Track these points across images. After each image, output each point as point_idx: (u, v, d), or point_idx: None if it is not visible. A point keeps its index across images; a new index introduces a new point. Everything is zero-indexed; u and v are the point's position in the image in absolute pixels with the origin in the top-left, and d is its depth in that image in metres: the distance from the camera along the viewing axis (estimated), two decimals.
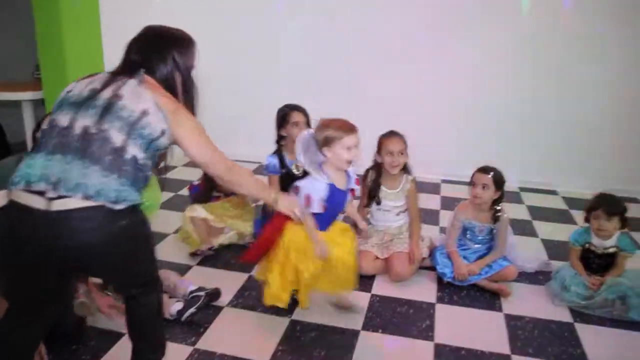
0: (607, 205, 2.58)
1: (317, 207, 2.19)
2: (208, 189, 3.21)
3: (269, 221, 2.30)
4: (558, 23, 4.10)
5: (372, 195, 2.89)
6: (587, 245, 2.65)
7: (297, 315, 2.45)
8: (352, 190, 2.32)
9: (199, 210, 3.02)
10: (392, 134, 2.85)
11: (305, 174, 2.38)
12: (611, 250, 2.62)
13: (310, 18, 4.49)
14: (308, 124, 2.92)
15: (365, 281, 2.73)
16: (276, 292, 2.24)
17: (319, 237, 2.15)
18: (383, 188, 2.88)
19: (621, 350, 2.34)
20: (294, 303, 2.38)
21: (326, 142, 2.17)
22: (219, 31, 4.55)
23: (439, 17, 4.24)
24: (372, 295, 2.66)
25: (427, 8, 4.25)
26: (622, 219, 2.58)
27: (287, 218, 2.12)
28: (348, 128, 2.18)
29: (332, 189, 2.22)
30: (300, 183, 2.27)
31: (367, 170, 2.93)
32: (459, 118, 4.43)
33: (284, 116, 3.02)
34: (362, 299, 2.61)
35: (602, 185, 3.42)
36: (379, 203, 2.89)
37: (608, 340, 2.40)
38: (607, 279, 2.56)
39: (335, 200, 2.24)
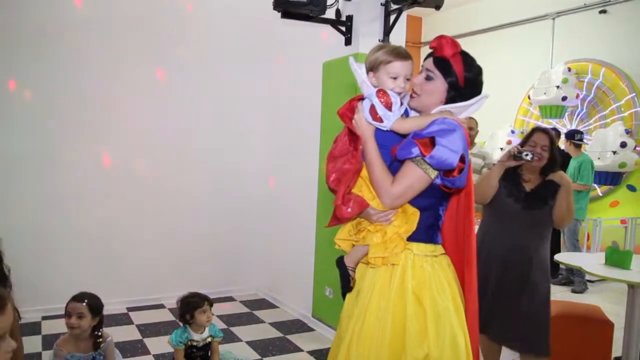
0: (205, 298, 2.95)
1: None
2: None
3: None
4: None
5: None
6: (189, 342, 2.89)
7: None
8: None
9: None
10: None
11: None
12: (208, 339, 2.96)
13: None
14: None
15: None
16: None
17: None
18: None
19: None
20: None
21: (373, 66, 1.83)
22: None
23: None
24: None
25: None
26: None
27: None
28: (400, 53, 1.82)
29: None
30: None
31: None
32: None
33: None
34: None
35: (202, 287, 3.77)
36: None
37: None
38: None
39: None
